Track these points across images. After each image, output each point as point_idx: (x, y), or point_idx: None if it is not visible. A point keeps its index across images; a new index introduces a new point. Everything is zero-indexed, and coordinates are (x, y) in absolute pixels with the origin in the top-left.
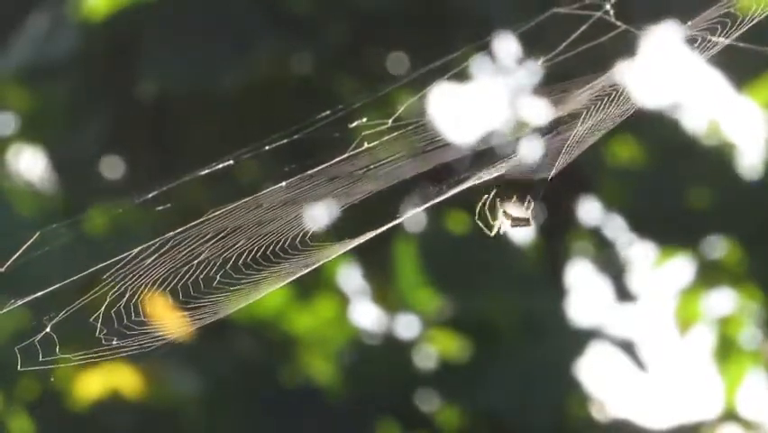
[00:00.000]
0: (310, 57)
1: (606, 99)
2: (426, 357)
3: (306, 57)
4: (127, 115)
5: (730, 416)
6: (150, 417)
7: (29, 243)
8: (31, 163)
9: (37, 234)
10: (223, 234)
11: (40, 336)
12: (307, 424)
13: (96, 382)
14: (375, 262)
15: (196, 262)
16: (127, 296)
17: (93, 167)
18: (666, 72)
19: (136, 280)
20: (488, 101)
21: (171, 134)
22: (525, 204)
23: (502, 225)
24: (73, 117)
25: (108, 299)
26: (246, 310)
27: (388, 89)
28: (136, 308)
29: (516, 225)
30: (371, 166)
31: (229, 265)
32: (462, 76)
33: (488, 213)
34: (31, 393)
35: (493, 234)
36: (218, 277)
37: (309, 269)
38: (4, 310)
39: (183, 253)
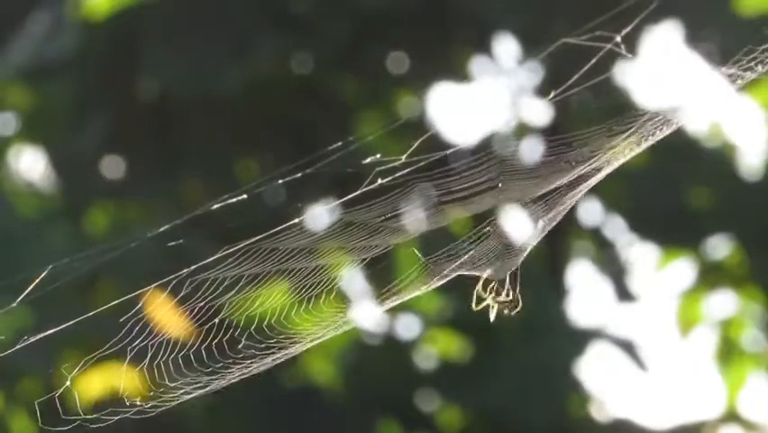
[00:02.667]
0: (310, 57)
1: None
2: (427, 357)
3: (307, 57)
4: (128, 114)
5: (731, 417)
6: (150, 417)
7: (39, 277)
8: (31, 163)
9: (48, 267)
10: (242, 284)
11: (60, 391)
12: (307, 424)
13: (96, 383)
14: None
15: (217, 320)
16: (150, 345)
17: (93, 167)
18: (666, 72)
19: (156, 326)
20: (489, 102)
21: (172, 134)
22: (511, 289)
23: (493, 307)
24: (73, 117)
25: (130, 354)
26: (246, 310)
27: (400, 122)
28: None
29: (503, 307)
30: (388, 215)
31: (254, 326)
32: (464, 79)
33: (480, 296)
34: (31, 393)
35: (492, 318)
36: (243, 340)
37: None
38: (18, 346)
39: (202, 306)
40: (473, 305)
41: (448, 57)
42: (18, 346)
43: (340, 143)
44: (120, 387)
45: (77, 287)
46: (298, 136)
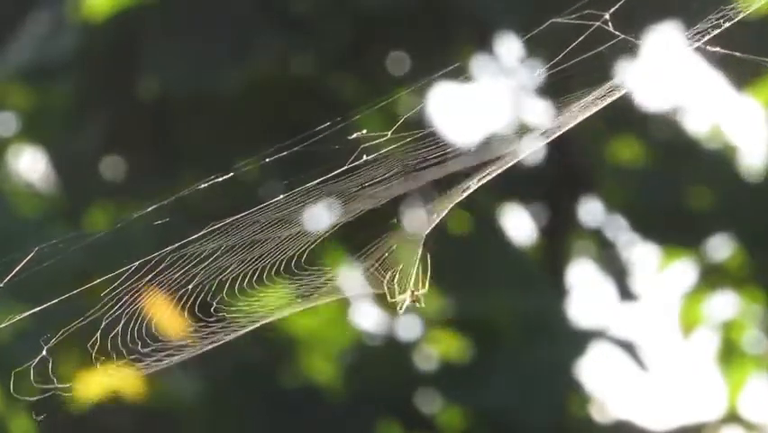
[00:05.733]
0: (311, 57)
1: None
2: (427, 358)
3: (307, 57)
4: (128, 114)
5: (732, 418)
6: (149, 417)
7: (26, 259)
8: (31, 163)
9: (35, 249)
10: (223, 250)
11: (36, 360)
12: (307, 424)
13: (96, 383)
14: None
15: (193, 284)
16: (126, 316)
17: (93, 167)
18: (667, 74)
19: (136, 299)
20: (489, 102)
21: (171, 134)
22: (426, 279)
23: (406, 300)
24: (73, 117)
25: (105, 321)
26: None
27: (389, 99)
28: (136, 327)
29: (414, 300)
30: (366, 184)
31: (226, 288)
32: (464, 79)
33: (396, 289)
34: (31, 394)
35: (402, 310)
36: (217, 299)
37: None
38: (4, 325)
39: (181, 273)
40: (393, 300)
41: (448, 57)
42: (5, 324)
43: (328, 123)
44: (96, 362)
45: (73, 274)
46: (306, 156)
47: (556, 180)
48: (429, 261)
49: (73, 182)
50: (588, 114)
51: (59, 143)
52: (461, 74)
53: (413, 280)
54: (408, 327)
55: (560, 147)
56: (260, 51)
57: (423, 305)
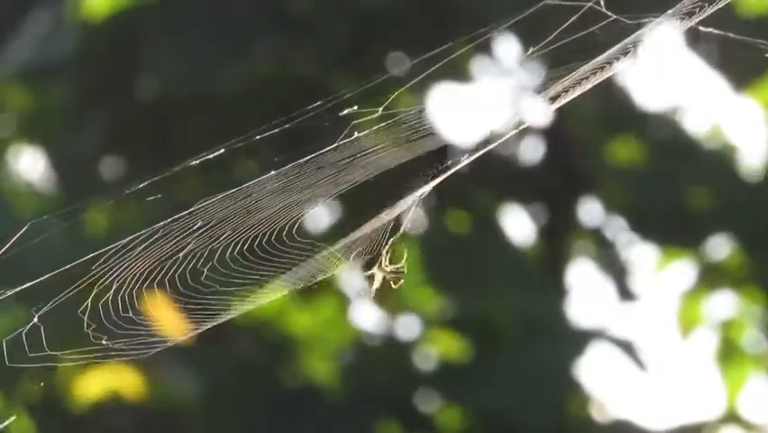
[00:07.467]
0: (310, 57)
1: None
2: (427, 358)
3: (307, 57)
4: (128, 114)
5: (732, 418)
6: (149, 418)
7: (17, 235)
8: (30, 163)
9: (27, 225)
10: (213, 224)
11: (27, 327)
12: (307, 424)
13: (96, 383)
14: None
15: (182, 255)
16: (117, 290)
17: (93, 167)
18: (665, 73)
19: (126, 272)
20: (485, 98)
21: (171, 134)
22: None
23: (377, 281)
24: (73, 117)
25: (95, 291)
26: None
27: (380, 78)
28: (127, 304)
29: (392, 277)
30: (358, 155)
31: (217, 258)
32: (459, 70)
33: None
34: (31, 394)
35: (373, 293)
36: (209, 271)
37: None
38: None
39: (171, 245)
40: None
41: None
42: None
43: (319, 102)
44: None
45: (71, 280)
46: (298, 136)
47: (556, 180)
48: (400, 237)
49: (72, 182)
50: (579, 86)
51: (58, 143)
52: (456, 68)
53: (387, 257)
54: (408, 327)
55: (560, 147)
56: (260, 51)
57: (398, 285)
